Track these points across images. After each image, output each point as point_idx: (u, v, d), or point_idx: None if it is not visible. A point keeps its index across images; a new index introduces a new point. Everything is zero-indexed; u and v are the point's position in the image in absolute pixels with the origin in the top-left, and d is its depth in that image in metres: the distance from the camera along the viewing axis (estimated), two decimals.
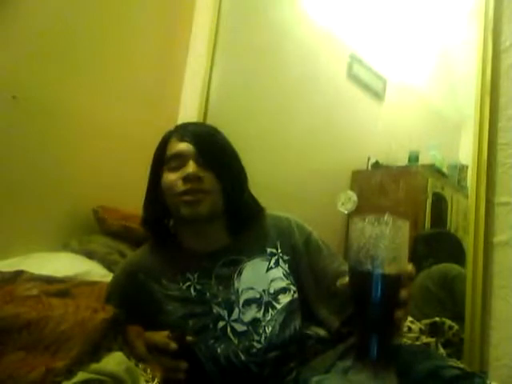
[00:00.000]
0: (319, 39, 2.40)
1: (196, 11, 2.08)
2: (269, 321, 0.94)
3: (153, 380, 0.78)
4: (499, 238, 1.22)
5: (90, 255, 1.45)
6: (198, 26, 2.06)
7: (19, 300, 0.88)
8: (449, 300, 1.54)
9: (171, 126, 1.07)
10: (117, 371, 0.73)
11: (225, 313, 0.94)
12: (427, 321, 1.31)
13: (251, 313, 0.94)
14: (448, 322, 1.31)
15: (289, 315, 0.95)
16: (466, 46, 1.63)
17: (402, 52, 2.70)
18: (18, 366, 0.71)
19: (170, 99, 1.98)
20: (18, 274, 1.16)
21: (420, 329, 1.18)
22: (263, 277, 0.98)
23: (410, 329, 1.16)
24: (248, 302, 0.95)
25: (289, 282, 0.99)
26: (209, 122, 1.82)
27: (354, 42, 2.57)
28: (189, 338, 0.87)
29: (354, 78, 2.58)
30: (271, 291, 0.96)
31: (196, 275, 0.98)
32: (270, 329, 0.93)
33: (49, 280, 1.17)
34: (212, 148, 0.99)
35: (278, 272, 0.99)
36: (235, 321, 0.94)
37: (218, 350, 0.91)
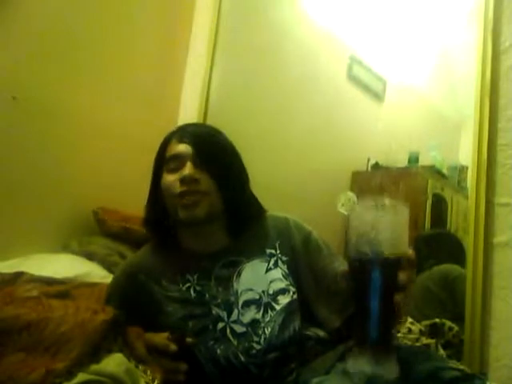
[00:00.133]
0: (319, 39, 2.40)
1: (196, 11, 2.08)
2: (268, 322, 0.94)
3: (153, 381, 0.78)
4: (499, 238, 1.22)
5: (90, 256, 1.45)
6: (198, 26, 2.06)
7: (19, 301, 0.88)
8: (450, 301, 1.54)
9: (171, 127, 1.07)
10: (117, 372, 0.73)
11: (224, 314, 0.94)
12: (427, 322, 1.31)
13: (250, 314, 0.94)
14: (448, 323, 1.31)
15: (288, 316, 0.95)
16: (466, 47, 1.63)
17: (401, 53, 2.70)
18: (17, 368, 0.71)
19: (170, 99, 1.98)
20: (18, 275, 1.16)
21: (420, 330, 1.18)
22: (262, 278, 0.98)
23: (410, 330, 1.16)
24: (247, 303, 0.95)
25: (288, 282, 0.99)
26: (209, 122, 1.82)
27: (353, 43, 2.57)
28: (189, 339, 0.87)
29: (353, 78, 2.58)
30: (270, 292, 0.96)
31: (196, 276, 0.98)
32: (270, 330, 0.93)
33: (49, 281, 1.17)
34: (211, 149, 0.99)
35: (277, 273, 0.99)
36: (234, 322, 0.94)
37: (218, 352, 0.91)
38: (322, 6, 2.42)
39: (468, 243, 1.26)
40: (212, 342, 0.92)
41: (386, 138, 2.52)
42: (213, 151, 0.99)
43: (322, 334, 0.99)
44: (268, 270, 0.99)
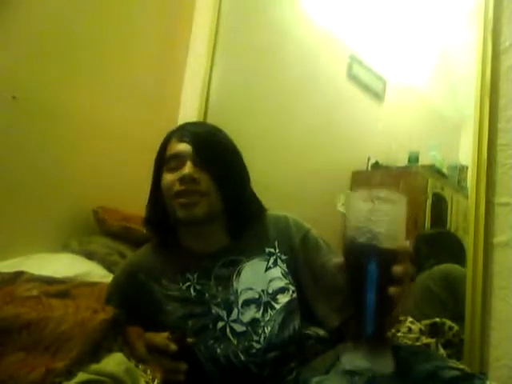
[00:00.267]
0: (319, 39, 2.40)
1: (196, 11, 2.08)
2: (268, 321, 0.93)
3: (153, 381, 0.78)
4: (499, 238, 1.22)
5: (89, 256, 1.45)
6: (198, 26, 2.06)
7: (19, 301, 0.88)
8: (450, 301, 1.53)
9: (171, 126, 1.07)
10: (117, 372, 0.73)
11: (224, 313, 0.94)
12: (427, 321, 1.31)
13: (250, 313, 0.94)
14: (448, 322, 1.31)
15: (288, 315, 0.95)
16: (466, 47, 1.63)
17: (401, 52, 2.70)
18: (18, 367, 0.71)
19: (170, 99, 1.98)
20: (18, 274, 1.16)
21: (420, 329, 1.18)
22: (262, 277, 0.98)
23: (410, 329, 1.16)
24: (247, 303, 0.95)
25: (287, 281, 0.98)
26: (209, 121, 1.82)
27: (353, 43, 2.57)
28: (189, 339, 0.87)
29: (353, 78, 2.58)
30: (270, 291, 0.96)
31: (196, 275, 0.98)
32: (269, 329, 0.93)
33: (49, 281, 1.17)
34: (211, 148, 0.99)
35: (276, 272, 0.99)
36: (234, 321, 0.94)
37: (218, 351, 0.91)
38: (321, 6, 2.42)
39: (468, 243, 1.26)
40: (212, 341, 0.92)
41: (385, 138, 2.52)
42: (213, 150, 0.99)
43: (321, 332, 0.99)
44: (267, 268, 0.99)
